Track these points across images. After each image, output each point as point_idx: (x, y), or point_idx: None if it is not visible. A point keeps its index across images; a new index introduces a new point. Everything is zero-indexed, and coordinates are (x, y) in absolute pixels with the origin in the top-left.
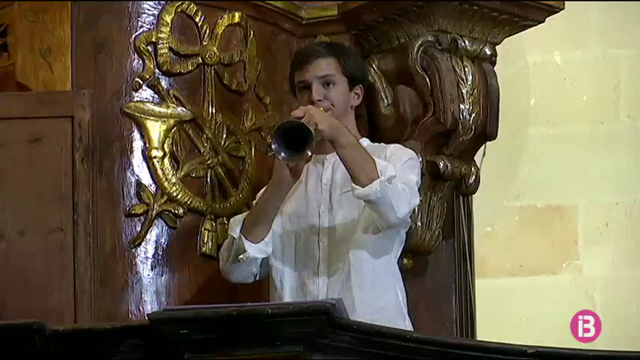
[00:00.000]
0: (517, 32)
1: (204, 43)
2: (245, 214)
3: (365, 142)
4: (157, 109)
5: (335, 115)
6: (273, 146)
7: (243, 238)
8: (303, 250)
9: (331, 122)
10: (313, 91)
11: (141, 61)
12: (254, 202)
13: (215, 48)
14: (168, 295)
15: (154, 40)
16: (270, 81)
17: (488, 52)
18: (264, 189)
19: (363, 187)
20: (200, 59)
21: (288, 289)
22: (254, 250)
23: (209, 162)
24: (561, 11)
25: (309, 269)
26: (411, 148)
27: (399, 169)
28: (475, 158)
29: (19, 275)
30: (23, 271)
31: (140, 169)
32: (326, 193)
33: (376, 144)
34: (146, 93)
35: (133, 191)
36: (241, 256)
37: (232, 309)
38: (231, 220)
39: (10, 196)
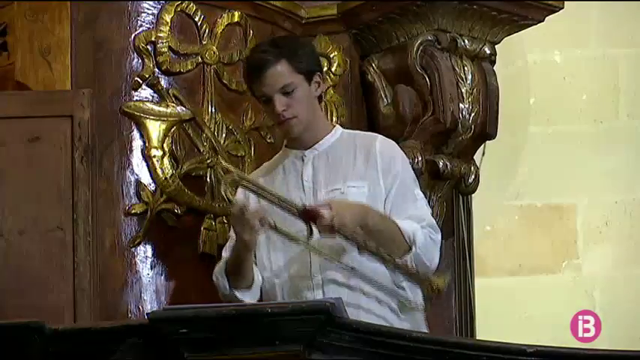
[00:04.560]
0: (517, 31)
1: (204, 43)
2: (223, 263)
3: (339, 131)
4: (156, 108)
5: (302, 120)
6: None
7: (235, 291)
8: (293, 254)
9: (354, 213)
10: (276, 104)
11: (140, 61)
12: (228, 244)
13: (214, 47)
14: (167, 295)
15: (153, 39)
16: None
17: (488, 52)
18: (230, 240)
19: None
20: (200, 58)
21: (281, 298)
22: (249, 297)
23: (209, 161)
24: (561, 10)
25: (302, 275)
26: (410, 148)
27: (412, 204)
28: (475, 157)
29: (19, 274)
30: (22, 270)
31: (140, 169)
32: (309, 192)
33: (360, 133)
34: (146, 92)
35: (132, 190)
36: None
37: (232, 308)
38: (215, 273)
39: (9, 195)
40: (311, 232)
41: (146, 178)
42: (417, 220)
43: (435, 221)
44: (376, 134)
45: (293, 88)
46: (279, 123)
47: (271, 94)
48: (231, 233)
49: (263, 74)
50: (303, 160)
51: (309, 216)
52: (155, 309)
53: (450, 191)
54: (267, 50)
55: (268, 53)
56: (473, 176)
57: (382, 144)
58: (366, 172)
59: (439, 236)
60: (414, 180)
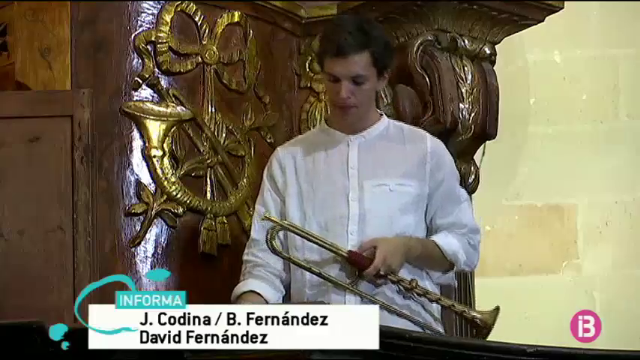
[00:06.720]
0: (517, 31)
1: (204, 43)
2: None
3: (386, 120)
4: (156, 108)
5: (360, 111)
6: None
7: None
8: (327, 255)
9: (400, 254)
10: (343, 89)
11: (140, 61)
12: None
13: (214, 47)
14: None
15: (153, 39)
16: (270, 80)
17: (488, 52)
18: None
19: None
20: (200, 58)
21: (309, 284)
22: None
23: (208, 161)
24: (561, 10)
25: (334, 264)
26: None
27: (456, 206)
28: (475, 157)
29: (19, 274)
30: (23, 270)
31: (140, 169)
32: (354, 180)
33: (407, 127)
34: (146, 92)
35: (132, 190)
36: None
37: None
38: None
39: (9, 195)
40: (358, 277)
41: (146, 178)
42: (458, 227)
43: (474, 222)
44: (424, 131)
45: (365, 80)
46: (338, 106)
47: (342, 77)
48: (258, 209)
49: (343, 57)
50: (348, 145)
51: (355, 261)
52: None
53: None
54: (355, 34)
55: (355, 38)
56: (473, 176)
57: (433, 144)
58: (414, 170)
59: (478, 236)
60: (457, 179)
